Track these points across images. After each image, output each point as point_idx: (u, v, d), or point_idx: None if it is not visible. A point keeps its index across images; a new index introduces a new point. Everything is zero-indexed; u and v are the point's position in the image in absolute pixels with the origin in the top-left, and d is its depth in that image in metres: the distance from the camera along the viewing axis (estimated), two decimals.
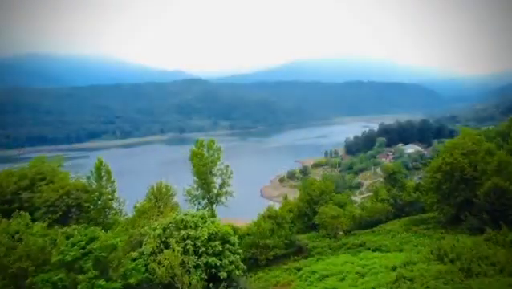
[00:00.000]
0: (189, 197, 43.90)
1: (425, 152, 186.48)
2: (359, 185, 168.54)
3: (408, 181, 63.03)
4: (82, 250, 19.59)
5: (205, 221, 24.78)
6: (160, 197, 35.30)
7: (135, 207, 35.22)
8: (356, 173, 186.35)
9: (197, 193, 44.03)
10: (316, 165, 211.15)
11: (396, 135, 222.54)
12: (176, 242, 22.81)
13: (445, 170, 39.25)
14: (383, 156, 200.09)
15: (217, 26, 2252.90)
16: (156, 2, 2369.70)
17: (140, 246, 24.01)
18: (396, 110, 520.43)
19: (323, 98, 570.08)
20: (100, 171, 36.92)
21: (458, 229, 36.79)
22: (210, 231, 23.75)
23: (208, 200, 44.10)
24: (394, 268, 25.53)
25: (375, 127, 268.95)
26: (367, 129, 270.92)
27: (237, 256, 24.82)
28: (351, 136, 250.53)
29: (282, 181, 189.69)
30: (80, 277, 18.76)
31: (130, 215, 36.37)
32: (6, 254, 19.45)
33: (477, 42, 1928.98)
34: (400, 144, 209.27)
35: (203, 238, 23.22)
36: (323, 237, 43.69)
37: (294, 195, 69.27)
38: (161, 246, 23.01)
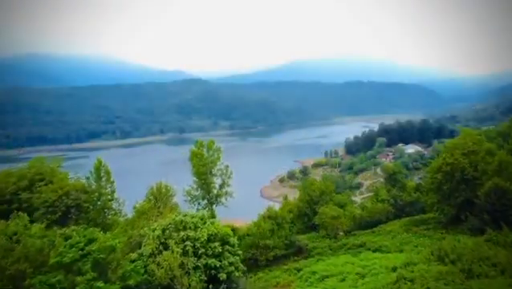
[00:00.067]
0: (189, 198, 43.75)
1: (425, 153, 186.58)
2: (359, 186, 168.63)
3: (408, 181, 62.90)
4: (80, 252, 19.48)
5: (205, 222, 24.64)
6: (159, 198, 35.13)
7: (134, 208, 35.06)
8: (356, 173, 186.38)
9: (197, 193, 43.88)
10: (316, 165, 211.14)
11: (396, 135, 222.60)
12: (176, 243, 22.69)
13: (446, 170, 39.11)
14: (383, 157, 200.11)
15: (217, 26, 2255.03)
16: (156, 2, 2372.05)
17: (139, 248, 23.90)
18: (396, 110, 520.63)
19: (323, 98, 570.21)
20: (100, 171, 36.82)
21: (459, 230, 36.64)
22: (210, 232, 23.62)
23: (208, 200, 43.96)
24: (394, 269, 25.38)
25: (375, 127, 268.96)
26: (367, 129, 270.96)
27: (237, 257, 24.68)
28: (351, 136, 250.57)
29: (282, 181, 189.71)
30: (79, 279, 18.64)
31: (129, 216, 36.24)
32: (4, 256, 19.33)
33: (477, 42, 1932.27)
34: (400, 144, 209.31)
35: (202, 239, 23.09)
36: (323, 237, 43.57)
37: (294, 195, 69.04)
38: (160, 248, 22.89)
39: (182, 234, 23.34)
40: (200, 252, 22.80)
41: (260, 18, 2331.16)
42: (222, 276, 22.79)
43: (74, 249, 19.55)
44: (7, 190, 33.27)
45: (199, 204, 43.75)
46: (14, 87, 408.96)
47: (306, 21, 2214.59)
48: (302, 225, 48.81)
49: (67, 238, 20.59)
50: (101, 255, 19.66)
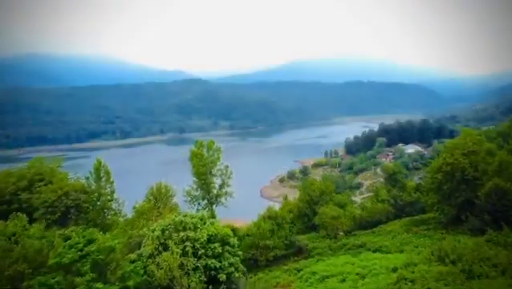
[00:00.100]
0: (189, 198, 43.71)
1: (425, 153, 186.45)
2: (359, 186, 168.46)
3: (408, 181, 62.80)
4: (79, 253, 19.41)
5: (205, 223, 24.55)
6: (159, 198, 35.09)
7: (134, 208, 35.03)
8: (356, 173, 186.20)
9: (197, 193, 43.85)
10: (316, 165, 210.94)
11: (396, 135, 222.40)
12: (175, 243, 22.59)
13: (446, 170, 39.02)
14: (383, 157, 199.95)
15: (217, 26, 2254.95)
16: (156, 2, 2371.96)
17: (139, 248, 23.82)
18: (396, 110, 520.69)
19: (323, 98, 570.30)
20: (99, 171, 36.77)
21: (459, 230, 36.56)
22: (210, 233, 23.53)
23: (207, 200, 43.92)
24: (395, 269, 25.36)
25: (375, 127, 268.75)
26: (367, 129, 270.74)
27: (237, 258, 24.61)
28: (351, 136, 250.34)
29: (282, 181, 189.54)
30: (78, 280, 18.56)
31: (129, 216, 36.18)
32: (3, 257, 19.26)
33: (477, 42, 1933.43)
34: (400, 144, 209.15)
35: (202, 240, 22.99)
36: (323, 237, 43.50)
37: (294, 195, 68.92)
38: (160, 248, 22.80)
39: (182, 234, 23.23)
40: (200, 253, 22.70)
41: (260, 18, 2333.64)
42: (222, 277, 22.70)
43: (73, 250, 19.48)
44: (7, 190, 33.28)
45: (199, 204, 43.72)
46: (14, 87, 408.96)
47: (306, 21, 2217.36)
48: (302, 226, 48.74)
49: (66, 239, 20.54)
50: (100, 256, 19.59)
